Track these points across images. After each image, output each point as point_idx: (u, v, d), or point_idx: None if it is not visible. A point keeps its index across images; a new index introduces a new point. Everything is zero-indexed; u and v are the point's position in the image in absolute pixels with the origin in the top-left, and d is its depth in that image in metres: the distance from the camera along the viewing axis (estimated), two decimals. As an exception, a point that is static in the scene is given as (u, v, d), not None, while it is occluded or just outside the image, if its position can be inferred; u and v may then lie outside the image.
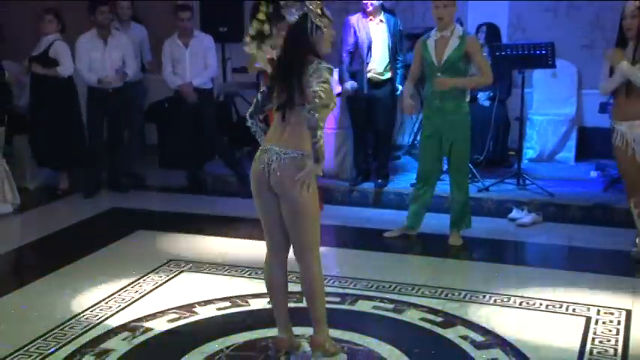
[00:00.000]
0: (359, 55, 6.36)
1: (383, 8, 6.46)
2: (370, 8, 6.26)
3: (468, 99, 5.38)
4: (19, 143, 7.10)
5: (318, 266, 3.54)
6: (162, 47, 6.95)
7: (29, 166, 7.09)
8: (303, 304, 3.64)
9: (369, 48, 6.32)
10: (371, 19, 6.32)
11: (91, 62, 6.68)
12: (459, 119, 5.22)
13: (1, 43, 6.97)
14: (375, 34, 6.33)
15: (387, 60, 6.37)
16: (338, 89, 6.56)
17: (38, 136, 6.86)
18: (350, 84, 6.39)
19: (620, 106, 4.84)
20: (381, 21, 6.34)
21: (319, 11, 3.40)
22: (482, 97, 7.22)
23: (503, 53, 6.53)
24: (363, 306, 4.33)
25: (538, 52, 6.39)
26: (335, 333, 3.88)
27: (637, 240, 5.05)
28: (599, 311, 4.21)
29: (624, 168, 4.97)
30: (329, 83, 3.30)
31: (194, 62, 6.85)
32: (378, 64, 6.36)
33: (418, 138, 7.78)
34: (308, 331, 3.72)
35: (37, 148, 6.94)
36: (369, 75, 6.36)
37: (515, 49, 6.49)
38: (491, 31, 7.15)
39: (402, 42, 6.61)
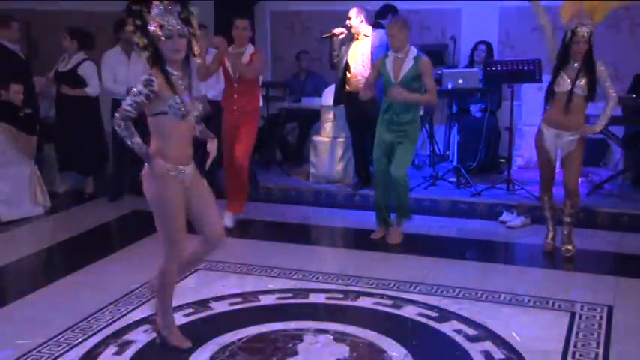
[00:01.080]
0: (342, 70, 6.38)
1: (377, 24, 6.46)
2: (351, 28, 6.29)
3: (421, 113, 5.60)
4: (48, 151, 7.12)
5: (167, 261, 3.64)
6: None
7: (58, 172, 7.11)
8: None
9: (347, 64, 6.33)
10: (356, 38, 6.30)
11: (116, 75, 6.69)
12: (411, 129, 5.32)
13: (34, 59, 6.99)
14: (356, 49, 6.30)
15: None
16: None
17: (63, 145, 6.88)
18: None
19: (554, 114, 4.93)
20: (366, 36, 6.30)
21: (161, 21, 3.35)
22: (475, 109, 7.22)
23: (494, 68, 6.53)
24: (365, 302, 4.32)
25: (526, 67, 6.40)
26: (339, 327, 3.90)
27: (549, 233, 5.24)
28: (582, 307, 4.20)
29: (544, 165, 5.12)
30: (139, 95, 3.33)
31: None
32: (358, 78, 6.31)
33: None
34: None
35: (62, 155, 6.96)
36: (350, 88, 6.34)
37: (505, 65, 6.49)
38: (489, 48, 7.19)
39: None
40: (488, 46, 7.23)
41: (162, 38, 3.36)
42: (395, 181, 5.31)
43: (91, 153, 6.81)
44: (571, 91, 4.81)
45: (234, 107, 5.81)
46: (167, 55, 3.40)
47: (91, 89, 6.59)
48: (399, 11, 7.37)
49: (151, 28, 3.36)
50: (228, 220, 5.79)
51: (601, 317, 4.06)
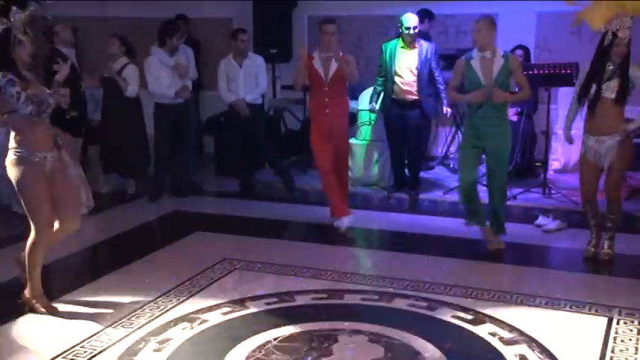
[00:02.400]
0: (390, 78, 6.35)
1: (418, 34, 6.42)
2: (408, 38, 6.26)
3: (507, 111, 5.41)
4: (93, 153, 7.24)
5: (33, 240, 4.05)
6: (218, 66, 6.97)
7: (102, 173, 7.23)
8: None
9: (396, 73, 6.32)
10: (402, 46, 6.29)
11: (161, 79, 6.74)
12: (504, 132, 5.18)
13: (81, 64, 7.11)
14: (405, 60, 6.30)
15: (417, 84, 6.34)
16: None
17: (107, 147, 7.00)
18: (370, 105, 6.53)
19: (590, 119, 4.87)
20: (414, 47, 6.29)
21: (22, 28, 3.90)
22: (511, 113, 7.11)
23: (531, 72, 6.43)
24: (399, 304, 4.29)
25: (563, 71, 6.29)
26: (374, 328, 3.88)
27: (592, 240, 5.13)
28: (620, 312, 4.11)
29: (585, 173, 5.02)
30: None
31: (247, 80, 6.89)
32: (407, 86, 6.34)
33: (451, 149, 7.77)
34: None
35: (106, 157, 7.07)
36: (397, 97, 6.34)
37: (542, 69, 6.40)
38: (526, 53, 7.09)
39: (439, 63, 6.57)
40: (526, 50, 7.12)
41: (23, 41, 3.91)
42: (498, 189, 5.24)
43: (133, 155, 6.92)
44: (598, 93, 4.71)
45: (327, 111, 5.77)
46: (23, 58, 3.94)
47: (130, 90, 6.64)
48: (435, 16, 7.32)
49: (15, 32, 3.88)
50: (346, 222, 5.86)
51: (639, 323, 3.96)
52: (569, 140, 5.21)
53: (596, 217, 5.11)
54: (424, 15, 7.14)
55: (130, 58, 6.75)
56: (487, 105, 5.04)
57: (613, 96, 4.72)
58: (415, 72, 6.32)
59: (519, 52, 7.13)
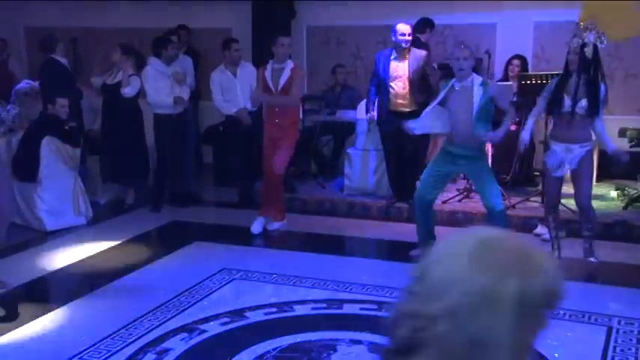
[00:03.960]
0: (384, 88, 6.35)
1: (414, 43, 6.42)
2: (400, 48, 6.24)
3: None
4: (91, 163, 7.24)
5: None
6: (211, 77, 6.91)
7: (100, 183, 7.22)
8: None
9: (389, 83, 6.30)
10: (395, 57, 6.29)
11: (159, 89, 6.73)
12: (483, 155, 5.10)
13: (81, 74, 7.13)
14: (397, 70, 6.28)
15: (409, 94, 6.29)
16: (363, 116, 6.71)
17: (107, 157, 6.99)
18: (369, 115, 6.48)
19: (562, 128, 4.88)
20: (406, 57, 6.26)
21: None
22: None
23: (529, 82, 6.45)
24: (399, 313, 4.27)
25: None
26: (373, 338, 3.86)
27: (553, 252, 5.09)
28: (619, 321, 4.09)
29: (550, 182, 5.08)
30: None
31: (244, 89, 6.90)
32: (400, 97, 6.31)
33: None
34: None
35: (106, 167, 7.07)
36: (391, 108, 6.32)
37: (539, 79, 6.40)
38: (523, 63, 7.10)
39: (435, 70, 6.56)
40: (523, 60, 7.13)
41: None
42: (498, 215, 4.88)
43: (133, 165, 6.90)
44: (572, 112, 4.71)
45: (276, 120, 5.93)
46: None
47: (127, 90, 6.59)
48: (435, 25, 7.30)
49: None
50: (258, 225, 5.99)
51: (639, 332, 3.95)
52: (525, 142, 5.20)
53: (558, 225, 5.16)
54: (425, 24, 7.13)
55: (138, 70, 6.73)
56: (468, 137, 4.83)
57: (584, 113, 4.72)
58: (407, 82, 6.28)
59: (516, 62, 7.14)
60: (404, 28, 6.23)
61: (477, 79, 4.93)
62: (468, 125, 4.77)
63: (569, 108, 4.73)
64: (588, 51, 4.66)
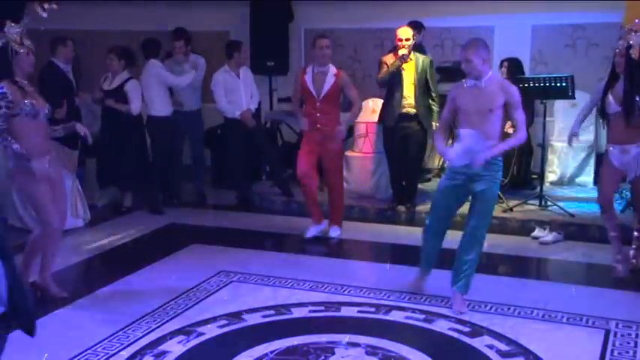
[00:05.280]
0: (390, 90, 6.35)
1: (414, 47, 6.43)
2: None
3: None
4: (89, 165, 7.23)
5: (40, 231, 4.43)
6: (214, 78, 6.92)
7: (98, 186, 7.21)
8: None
9: (395, 87, 6.30)
10: (410, 59, 6.27)
11: (163, 95, 6.82)
12: (492, 175, 4.32)
13: (78, 77, 7.12)
14: (403, 73, 6.27)
15: (414, 96, 6.30)
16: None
17: (105, 160, 6.98)
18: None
19: (615, 131, 4.85)
20: (410, 59, 6.27)
21: (19, 39, 4.25)
22: (507, 125, 7.11)
23: (526, 85, 6.45)
24: (397, 316, 4.28)
25: (559, 84, 6.30)
26: (371, 340, 3.86)
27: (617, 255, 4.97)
28: (617, 324, 4.09)
29: (607, 183, 4.96)
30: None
31: (246, 91, 6.91)
32: (407, 99, 6.31)
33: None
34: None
35: (103, 170, 7.05)
36: (397, 110, 6.31)
37: (537, 82, 6.41)
38: (513, 66, 7.08)
39: (434, 75, 6.56)
40: (512, 62, 7.09)
41: (20, 53, 4.25)
42: (475, 237, 4.31)
43: (131, 168, 6.90)
44: (627, 113, 4.65)
45: (318, 125, 5.80)
46: (25, 68, 4.32)
47: (134, 107, 6.63)
48: (425, 27, 7.26)
49: (14, 45, 4.22)
50: (314, 231, 5.96)
51: (637, 335, 3.96)
52: (571, 140, 5.39)
53: (617, 228, 4.97)
54: (414, 27, 7.14)
55: (130, 71, 6.75)
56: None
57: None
58: (412, 85, 6.30)
59: (505, 63, 7.07)
60: (406, 30, 6.22)
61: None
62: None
63: (616, 109, 4.72)
64: (634, 52, 4.62)
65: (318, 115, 5.78)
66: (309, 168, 5.86)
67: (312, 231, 5.94)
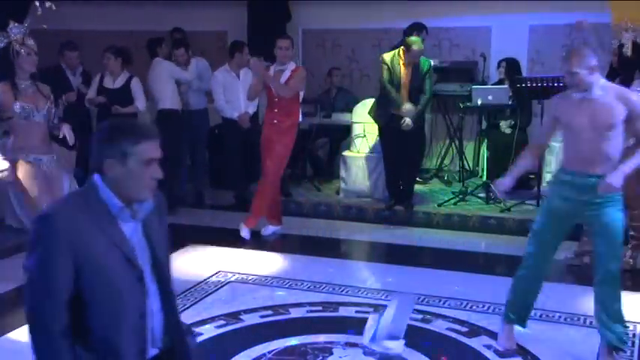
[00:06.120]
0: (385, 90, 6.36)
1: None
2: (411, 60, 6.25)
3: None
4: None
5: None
6: (214, 76, 6.92)
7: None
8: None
9: (398, 88, 6.32)
10: (403, 63, 6.30)
11: (173, 90, 6.88)
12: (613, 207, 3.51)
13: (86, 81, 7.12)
14: (406, 75, 6.29)
15: (411, 98, 6.31)
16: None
17: None
18: (409, 105, 6.26)
19: None
20: (411, 65, 6.27)
21: (21, 40, 4.35)
22: (504, 125, 7.15)
23: (524, 85, 6.46)
24: (394, 316, 4.27)
25: (556, 84, 6.30)
26: (368, 340, 3.85)
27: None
28: (615, 324, 4.09)
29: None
30: None
31: (245, 92, 6.90)
32: (406, 100, 6.33)
33: (445, 162, 7.79)
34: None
35: None
36: (396, 111, 6.31)
37: (535, 82, 6.42)
38: (511, 66, 7.09)
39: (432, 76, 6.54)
40: (509, 62, 7.11)
41: (21, 53, 4.34)
42: (610, 281, 3.62)
43: None
44: None
45: (274, 121, 5.92)
46: (26, 68, 4.39)
47: (140, 105, 6.63)
48: (427, 29, 7.30)
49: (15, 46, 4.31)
50: (245, 232, 5.99)
51: (634, 334, 3.96)
52: None
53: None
54: (420, 29, 7.13)
55: (129, 70, 6.75)
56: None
57: None
58: (410, 88, 6.30)
59: (503, 64, 7.08)
60: (419, 42, 6.26)
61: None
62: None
63: None
64: (627, 50, 4.60)
65: (275, 110, 5.91)
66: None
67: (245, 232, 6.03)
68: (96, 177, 2.02)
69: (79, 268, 1.92)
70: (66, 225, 1.92)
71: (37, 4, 4.53)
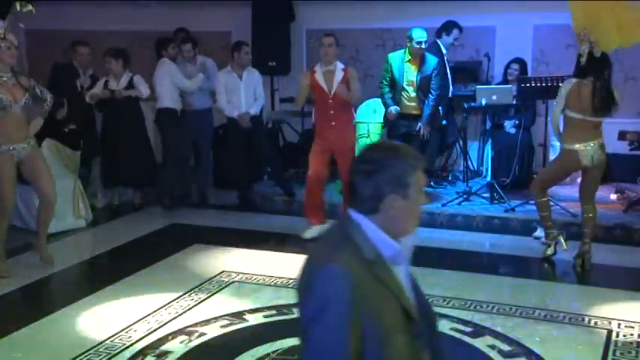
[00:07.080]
0: (397, 90, 6.34)
1: (429, 48, 6.39)
2: (416, 53, 6.21)
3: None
4: (92, 165, 7.23)
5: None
6: (217, 77, 6.96)
7: (100, 187, 7.22)
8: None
9: (402, 87, 6.30)
10: (409, 60, 6.29)
11: (174, 90, 6.91)
12: None
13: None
14: (411, 74, 6.28)
15: (417, 97, 6.29)
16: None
17: (111, 159, 6.98)
18: (394, 108, 6.26)
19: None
20: (422, 62, 6.24)
21: (2, 34, 4.64)
22: (509, 125, 7.14)
23: (528, 85, 6.45)
24: (398, 316, 4.27)
25: (560, 84, 6.28)
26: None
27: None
28: (619, 324, 4.09)
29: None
30: None
31: (247, 93, 6.90)
32: (411, 101, 6.31)
33: (449, 162, 7.78)
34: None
35: (108, 170, 7.06)
36: (403, 111, 6.30)
37: (539, 81, 6.41)
38: (522, 66, 7.10)
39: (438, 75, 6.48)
40: (522, 64, 7.12)
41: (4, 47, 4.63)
42: None
43: (138, 166, 6.92)
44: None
45: (332, 123, 5.84)
46: (7, 61, 4.68)
47: (143, 90, 6.72)
48: (461, 28, 7.19)
49: None
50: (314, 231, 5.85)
51: (639, 335, 3.95)
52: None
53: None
54: (452, 27, 7.08)
55: (130, 71, 6.79)
56: None
57: None
58: (416, 87, 6.27)
59: (515, 66, 7.10)
60: (421, 33, 6.19)
61: None
62: None
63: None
64: (583, 60, 4.87)
65: (331, 112, 5.82)
66: (322, 169, 5.90)
67: (314, 231, 5.91)
68: (359, 217, 1.69)
69: (363, 330, 1.62)
70: (355, 281, 1.61)
71: (17, 5, 4.73)
